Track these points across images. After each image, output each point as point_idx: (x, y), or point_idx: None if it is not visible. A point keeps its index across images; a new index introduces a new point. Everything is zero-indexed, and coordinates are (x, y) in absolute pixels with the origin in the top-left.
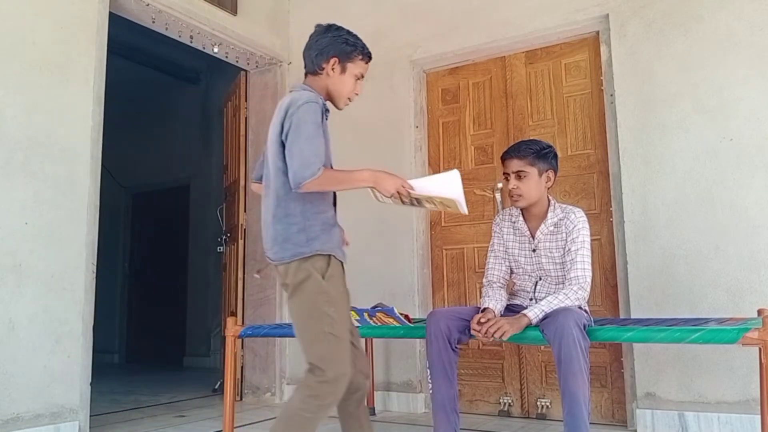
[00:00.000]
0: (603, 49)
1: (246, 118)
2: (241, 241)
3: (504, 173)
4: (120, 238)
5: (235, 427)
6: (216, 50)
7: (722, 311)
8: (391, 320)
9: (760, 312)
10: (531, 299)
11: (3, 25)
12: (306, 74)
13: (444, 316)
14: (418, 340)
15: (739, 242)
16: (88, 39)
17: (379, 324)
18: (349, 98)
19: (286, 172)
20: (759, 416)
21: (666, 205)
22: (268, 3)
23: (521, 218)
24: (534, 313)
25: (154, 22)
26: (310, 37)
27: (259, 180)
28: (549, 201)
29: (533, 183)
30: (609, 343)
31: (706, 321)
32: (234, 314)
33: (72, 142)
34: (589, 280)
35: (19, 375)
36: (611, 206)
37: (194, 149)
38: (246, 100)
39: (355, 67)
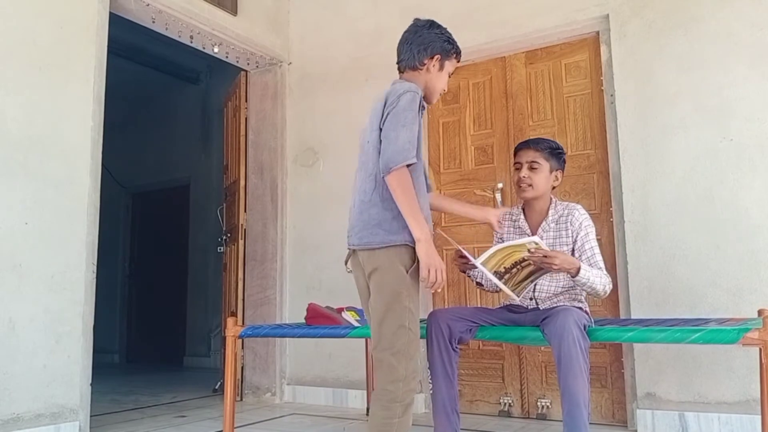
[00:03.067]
0: (603, 49)
1: (246, 118)
2: (241, 241)
3: (516, 163)
4: (120, 238)
5: (236, 428)
6: (216, 50)
7: (722, 311)
8: None
9: (760, 312)
10: (531, 298)
11: (3, 25)
12: (404, 69)
13: (444, 316)
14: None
15: (739, 242)
16: (88, 39)
17: None
18: (440, 94)
19: None
20: (759, 416)
21: (666, 205)
22: (268, 3)
23: (522, 216)
24: (584, 272)
25: (154, 22)
26: (409, 30)
27: None
28: (551, 199)
29: (544, 176)
30: (609, 343)
31: (707, 321)
32: (234, 314)
33: (72, 142)
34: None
35: (19, 375)
36: (611, 206)
37: (194, 149)
38: (246, 100)
39: (450, 65)
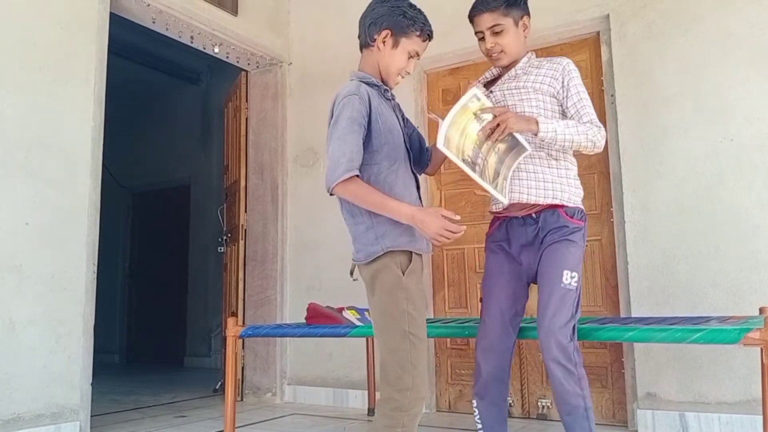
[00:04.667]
0: (603, 49)
1: (246, 119)
2: (241, 242)
3: (477, 33)
4: (120, 238)
5: (236, 428)
6: (216, 50)
7: (722, 311)
8: None
9: (762, 311)
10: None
11: (3, 25)
12: (360, 48)
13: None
14: None
15: (739, 242)
16: (88, 39)
17: None
18: (400, 75)
19: None
20: (760, 416)
21: (666, 205)
22: (268, 3)
23: (494, 78)
24: (546, 125)
25: (154, 22)
26: (369, 5)
27: None
28: (527, 53)
29: (512, 35)
30: (609, 343)
31: (708, 320)
32: (234, 314)
33: (72, 142)
34: (601, 126)
35: (19, 375)
36: (612, 206)
37: (194, 149)
38: (246, 101)
39: (410, 43)
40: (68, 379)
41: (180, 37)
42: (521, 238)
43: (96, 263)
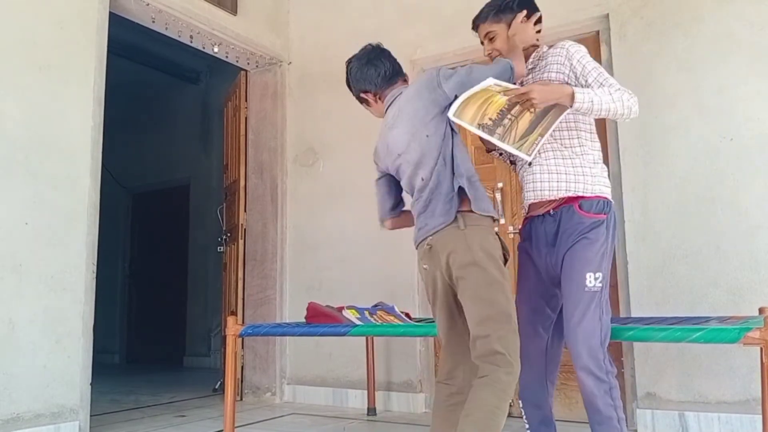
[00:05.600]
0: (603, 49)
1: (246, 118)
2: (241, 241)
3: (481, 41)
4: (120, 238)
5: (236, 427)
6: (216, 50)
7: (722, 311)
8: (391, 318)
9: (761, 311)
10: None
11: (3, 25)
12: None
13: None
14: (418, 339)
15: (739, 242)
16: (88, 39)
17: (380, 322)
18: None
19: None
20: (760, 416)
21: (666, 205)
22: (268, 3)
23: None
24: (582, 95)
25: (154, 21)
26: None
27: None
28: (538, 48)
29: (504, 39)
30: (609, 342)
31: (707, 320)
32: (234, 313)
33: (72, 142)
34: (632, 92)
35: (19, 375)
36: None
37: (194, 149)
38: (246, 100)
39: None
40: (68, 379)
41: (179, 36)
42: (542, 237)
43: (96, 263)
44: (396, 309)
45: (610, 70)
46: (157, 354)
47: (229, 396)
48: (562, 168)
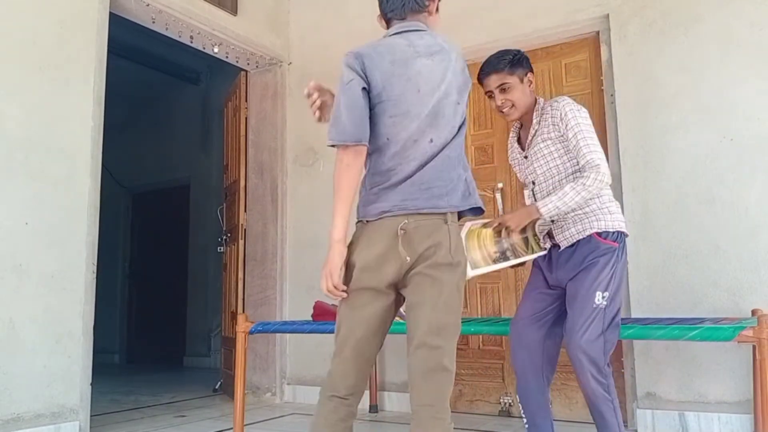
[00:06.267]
0: (603, 49)
1: (246, 118)
2: (241, 241)
3: (487, 92)
4: (120, 238)
5: None
6: (216, 50)
7: (722, 311)
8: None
9: (754, 312)
10: (542, 237)
11: (3, 25)
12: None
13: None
14: None
15: (739, 242)
16: (88, 39)
17: None
18: None
19: None
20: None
21: (666, 205)
22: (268, 3)
23: (519, 129)
24: (546, 208)
25: (154, 22)
26: None
27: None
28: (536, 102)
29: (519, 91)
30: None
31: (702, 320)
32: (240, 312)
33: (72, 142)
34: (602, 160)
35: (19, 375)
36: None
37: (194, 149)
38: (246, 100)
39: None
40: (68, 379)
41: (180, 36)
42: (559, 260)
43: (96, 263)
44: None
45: (610, 70)
46: (157, 354)
47: (239, 392)
48: (583, 216)
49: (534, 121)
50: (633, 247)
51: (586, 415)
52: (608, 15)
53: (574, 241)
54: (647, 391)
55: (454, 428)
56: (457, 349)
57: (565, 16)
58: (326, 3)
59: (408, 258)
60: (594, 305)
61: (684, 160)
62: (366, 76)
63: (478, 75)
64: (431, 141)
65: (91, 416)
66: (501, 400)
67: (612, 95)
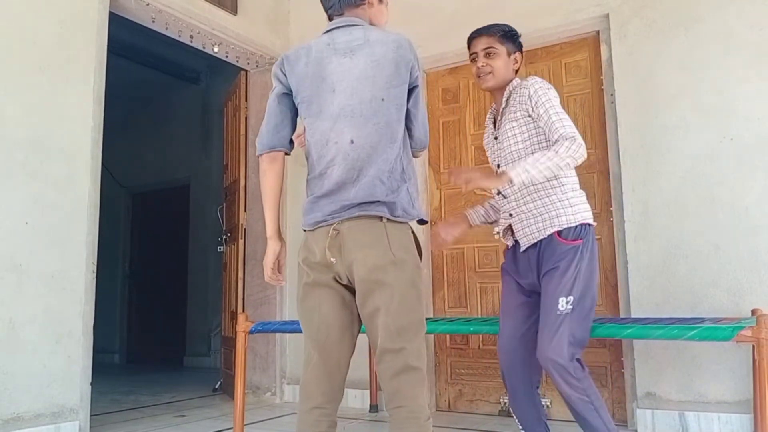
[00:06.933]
0: (603, 48)
1: (246, 118)
2: (241, 241)
3: (471, 54)
4: (120, 238)
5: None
6: (216, 50)
7: (722, 311)
8: None
9: (753, 312)
10: (498, 192)
11: (3, 25)
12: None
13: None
14: None
15: (739, 242)
16: (88, 39)
17: None
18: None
19: None
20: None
21: (666, 204)
22: (268, 3)
23: (495, 111)
24: (516, 172)
25: (154, 21)
26: None
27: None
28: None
29: (502, 61)
30: (609, 342)
31: (702, 320)
32: (240, 312)
33: (72, 142)
34: (577, 134)
35: (19, 375)
36: (611, 206)
37: (194, 149)
38: (246, 100)
39: None
40: (68, 378)
41: (179, 36)
42: (525, 264)
43: (96, 263)
44: None
45: (610, 70)
46: (157, 354)
47: (239, 391)
48: (542, 209)
49: (502, 99)
50: (633, 247)
51: None
52: (608, 15)
53: (536, 241)
54: (647, 391)
55: (455, 428)
56: (457, 348)
57: (565, 15)
58: None
59: (333, 260)
60: (557, 313)
61: (684, 160)
62: (287, 79)
63: (469, 36)
64: (352, 142)
65: (91, 416)
66: (501, 400)
67: (612, 95)
